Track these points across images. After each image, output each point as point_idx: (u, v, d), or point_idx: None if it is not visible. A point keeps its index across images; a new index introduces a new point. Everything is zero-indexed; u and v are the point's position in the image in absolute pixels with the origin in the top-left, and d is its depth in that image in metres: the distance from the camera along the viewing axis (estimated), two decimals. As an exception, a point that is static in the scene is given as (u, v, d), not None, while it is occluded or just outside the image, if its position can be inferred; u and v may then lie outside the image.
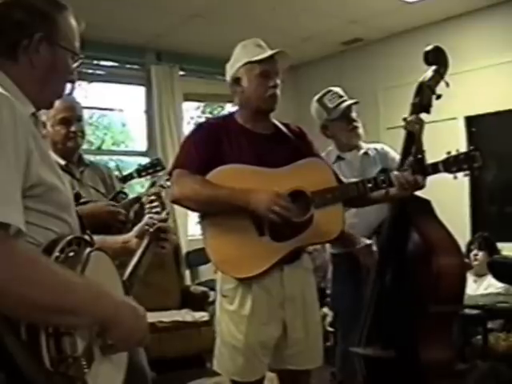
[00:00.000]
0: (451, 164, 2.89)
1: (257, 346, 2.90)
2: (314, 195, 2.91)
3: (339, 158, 3.92)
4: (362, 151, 3.93)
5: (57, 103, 3.26)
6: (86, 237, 1.66)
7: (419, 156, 3.10)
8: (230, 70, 3.08)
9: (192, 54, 7.74)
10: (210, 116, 9.09)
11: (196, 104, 8.75)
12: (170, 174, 3.02)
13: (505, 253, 5.51)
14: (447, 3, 6.23)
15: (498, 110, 6.22)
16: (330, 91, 3.92)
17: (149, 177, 3.62)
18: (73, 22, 1.72)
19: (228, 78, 3.11)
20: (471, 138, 6.42)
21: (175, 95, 7.61)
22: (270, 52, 2.97)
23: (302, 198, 2.92)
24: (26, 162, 1.39)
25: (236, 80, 3.06)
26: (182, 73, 7.75)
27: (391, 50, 7.25)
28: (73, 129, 3.34)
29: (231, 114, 3.18)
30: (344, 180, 3.19)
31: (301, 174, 2.97)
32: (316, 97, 3.96)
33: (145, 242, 2.21)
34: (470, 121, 6.47)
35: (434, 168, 2.93)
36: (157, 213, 2.46)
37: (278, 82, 3.02)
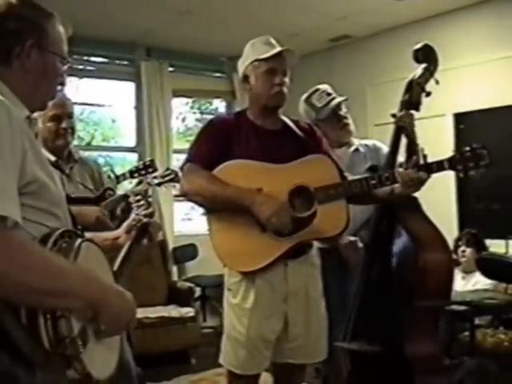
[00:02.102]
0: (457, 162, 2.87)
1: (258, 339, 2.95)
2: (317, 191, 2.94)
3: None
4: (352, 148, 3.91)
5: None
6: (78, 231, 1.78)
7: (408, 153, 3.10)
8: (240, 67, 3.16)
9: (181, 51, 7.77)
10: (198, 112, 9.11)
11: (185, 100, 8.75)
12: (181, 167, 3.09)
13: (492, 249, 5.53)
14: (435, 1, 6.25)
15: (487, 108, 6.23)
16: (317, 90, 3.89)
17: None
18: (60, 28, 1.84)
19: (239, 75, 3.19)
20: (459, 134, 6.44)
21: (164, 91, 7.63)
22: (275, 50, 3.01)
23: (306, 193, 2.95)
24: (21, 161, 1.51)
25: (245, 78, 3.13)
26: (171, 69, 7.78)
27: (379, 46, 7.27)
28: (63, 125, 3.36)
29: (244, 111, 3.24)
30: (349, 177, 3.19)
31: (305, 170, 3.01)
32: (303, 96, 3.94)
33: (132, 234, 2.28)
34: (458, 118, 6.48)
35: (439, 166, 2.91)
36: (144, 209, 2.52)
37: (286, 79, 3.06)
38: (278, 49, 3.02)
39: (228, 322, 3.04)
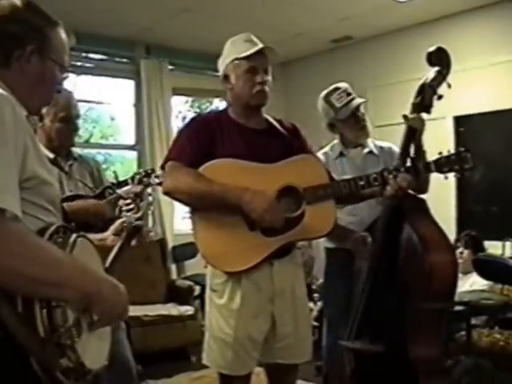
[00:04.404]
0: (443, 164, 2.92)
1: (246, 339, 2.92)
2: (305, 191, 2.93)
3: (342, 154, 3.88)
4: (366, 150, 3.89)
5: (60, 100, 3.30)
6: (71, 227, 1.81)
7: (414, 155, 3.08)
8: (220, 66, 3.09)
9: (181, 49, 7.79)
10: (198, 111, 9.11)
11: (184, 98, 8.76)
12: (162, 166, 3.01)
13: (490, 251, 5.56)
14: (438, 4, 6.28)
15: (486, 111, 6.28)
16: (337, 89, 3.84)
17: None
18: (63, 36, 1.87)
19: (220, 74, 3.12)
20: (459, 137, 6.48)
21: (164, 89, 7.65)
22: (255, 48, 2.96)
23: (294, 193, 2.93)
24: (22, 157, 1.55)
25: (225, 77, 3.07)
26: (170, 67, 7.79)
27: (381, 48, 7.31)
28: (72, 127, 3.36)
29: (225, 109, 3.18)
30: (336, 177, 3.18)
31: (293, 170, 2.98)
32: (322, 94, 3.88)
33: (123, 235, 2.33)
34: (459, 120, 6.51)
35: (427, 167, 2.96)
36: (134, 213, 2.58)
37: (267, 78, 3.01)
38: (259, 46, 2.97)
39: (213, 322, 3.00)
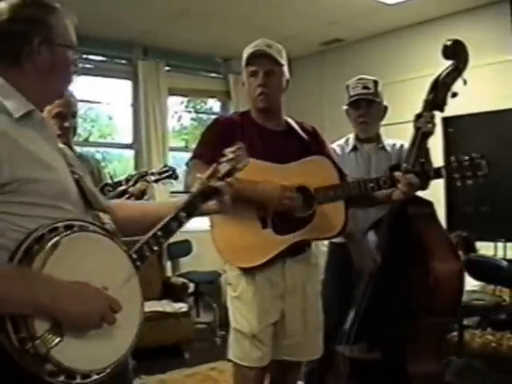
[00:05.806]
0: (454, 170, 2.84)
1: (258, 332, 2.98)
2: (317, 192, 2.97)
3: (355, 148, 3.85)
4: (379, 146, 3.85)
5: None
6: (88, 218, 1.79)
7: (423, 160, 3.00)
8: None
9: (177, 51, 7.87)
10: (192, 110, 9.20)
11: (180, 99, 8.83)
12: (187, 164, 3.10)
13: (482, 252, 5.61)
14: (426, 6, 6.32)
15: (475, 112, 6.31)
16: (359, 79, 3.81)
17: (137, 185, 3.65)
18: (65, 18, 1.86)
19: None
20: (448, 138, 6.52)
21: (161, 90, 7.73)
22: (247, 53, 3.07)
23: (306, 194, 2.98)
24: None
25: (243, 83, 3.19)
26: (167, 68, 7.88)
27: (371, 50, 7.34)
28: (66, 124, 3.37)
29: (248, 111, 3.24)
30: (348, 175, 3.21)
31: (306, 171, 3.04)
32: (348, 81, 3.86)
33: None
34: (447, 121, 6.48)
35: (437, 172, 2.89)
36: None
37: (266, 79, 3.05)
38: (250, 51, 3.05)
39: (231, 315, 3.09)
